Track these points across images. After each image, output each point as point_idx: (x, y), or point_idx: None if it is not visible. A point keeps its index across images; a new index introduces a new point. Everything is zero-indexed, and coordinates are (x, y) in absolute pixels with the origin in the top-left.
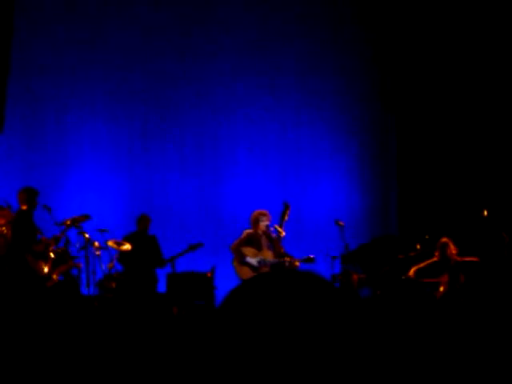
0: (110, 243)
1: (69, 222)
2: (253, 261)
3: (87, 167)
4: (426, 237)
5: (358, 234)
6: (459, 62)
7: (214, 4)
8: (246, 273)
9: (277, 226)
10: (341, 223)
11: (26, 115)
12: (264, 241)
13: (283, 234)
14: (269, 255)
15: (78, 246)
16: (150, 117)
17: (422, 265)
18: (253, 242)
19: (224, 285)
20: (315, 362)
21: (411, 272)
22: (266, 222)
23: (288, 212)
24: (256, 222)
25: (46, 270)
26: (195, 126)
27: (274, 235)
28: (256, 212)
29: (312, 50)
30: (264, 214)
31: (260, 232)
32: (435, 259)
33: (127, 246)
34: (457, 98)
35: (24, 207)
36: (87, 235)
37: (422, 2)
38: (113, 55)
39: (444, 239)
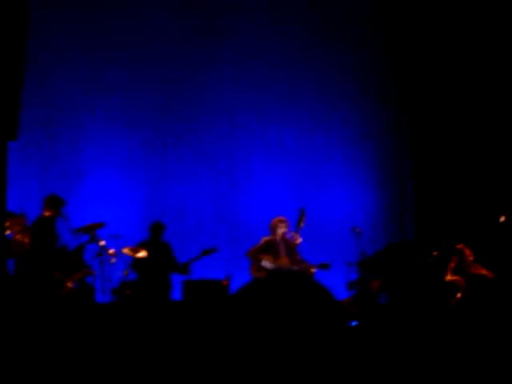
0: (126, 250)
1: (93, 234)
2: (269, 265)
3: (102, 174)
4: (443, 243)
5: (375, 239)
6: (475, 64)
7: (226, 15)
8: (263, 277)
9: (293, 233)
10: (357, 230)
11: (41, 122)
12: (281, 247)
13: (299, 240)
14: (286, 262)
15: (93, 253)
16: (166, 123)
17: (451, 266)
18: (270, 248)
19: None
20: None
21: (450, 276)
22: (284, 229)
23: (304, 218)
24: (274, 228)
25: (61, 277)
26: (210, 131)
27: (290, 242)
28: (275, 219)
29: (327, 57)
30: (282, 221)
31: (278, 238)
32: (452, 265)
33: (143, 253)
34: (474, 98)
35: (47, 214)
36: (102, 242)
37: (436, 6)
38: (128, 64)
39: (460, 246)
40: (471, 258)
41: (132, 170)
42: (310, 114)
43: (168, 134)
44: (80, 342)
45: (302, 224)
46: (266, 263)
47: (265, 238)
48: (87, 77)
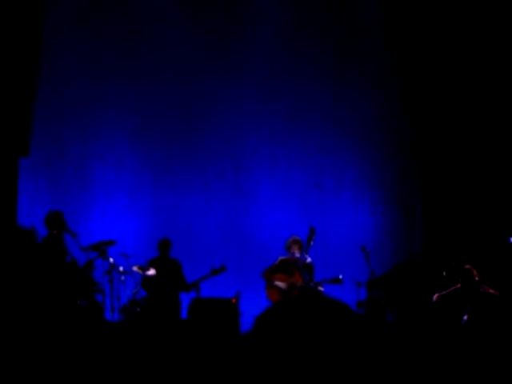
0: (135, 268)
1: (102, 251)
2: (282, 284)
3: (111, 191)
4: (452, 264)
5: (383, 258)
6: (480, 77)
7: (243, 36)
8: (276, 297)
9: (303, 252)
10: (366, 249)
11: (52, 138)
12: (295, 267)
13: (309, 260)
14: (299, 280)
15: (102, 270)
16: (175, 141)
17: (445, 291)
18: (285, 268)
19: (249, 311)
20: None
21: (435, 298)
22: (296, 250)
23: (313, 237)
24: (289, 247)
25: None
26: (219, 149)
27: (301, 261)
28: (290, 238)
29: (337, 78)
30: (296, 243)
31: (292, 258)
32: (459, 286)
33: (152, 271)
34: (481, 113)
35: (55, 231)
36: (112, 260)
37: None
38: (138, 81)
39: (467, 266)
40: (477, 279)
41: (141, 187)
42: (319, 132)
43: (177, 152)
44: (89, 360)
45: (312, 243)
46: (279, 283)
47: (281, 258)
48: (97, 92)
